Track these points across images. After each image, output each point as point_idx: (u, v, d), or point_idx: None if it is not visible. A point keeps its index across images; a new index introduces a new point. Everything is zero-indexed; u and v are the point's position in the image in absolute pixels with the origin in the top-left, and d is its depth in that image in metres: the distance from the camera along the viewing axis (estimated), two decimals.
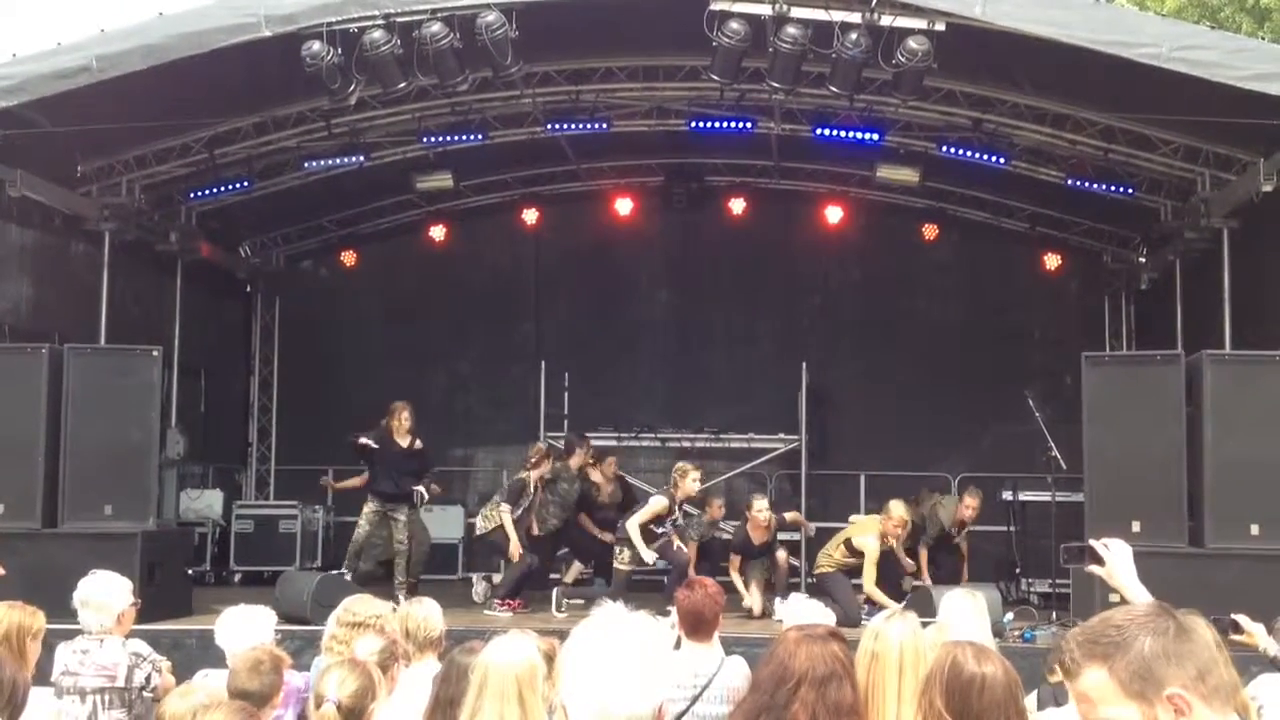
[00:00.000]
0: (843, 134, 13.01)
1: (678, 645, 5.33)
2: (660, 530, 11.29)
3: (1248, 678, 5.54)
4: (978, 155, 13.15)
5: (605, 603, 3.21)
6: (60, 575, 7.20)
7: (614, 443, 14.56)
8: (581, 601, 11.04)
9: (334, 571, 11.82)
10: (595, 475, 12.93)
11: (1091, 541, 3.53)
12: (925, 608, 6.77)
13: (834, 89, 10.81)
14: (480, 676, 3.45)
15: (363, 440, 12.02)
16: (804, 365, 15.07)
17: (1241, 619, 5.88)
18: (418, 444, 12.19)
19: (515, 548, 11.56)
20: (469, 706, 3.44)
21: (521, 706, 3.37)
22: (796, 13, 10.05)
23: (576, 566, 12.98)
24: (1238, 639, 5.73)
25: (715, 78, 11.10)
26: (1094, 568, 3.49)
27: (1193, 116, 11.09)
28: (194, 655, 7.85)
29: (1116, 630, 2.19)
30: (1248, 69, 9.48)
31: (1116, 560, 3.44)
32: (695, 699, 5.10)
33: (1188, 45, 9.61)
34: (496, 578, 12.55)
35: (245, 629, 5.62)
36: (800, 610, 5.58)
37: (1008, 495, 13.68)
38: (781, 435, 15.17)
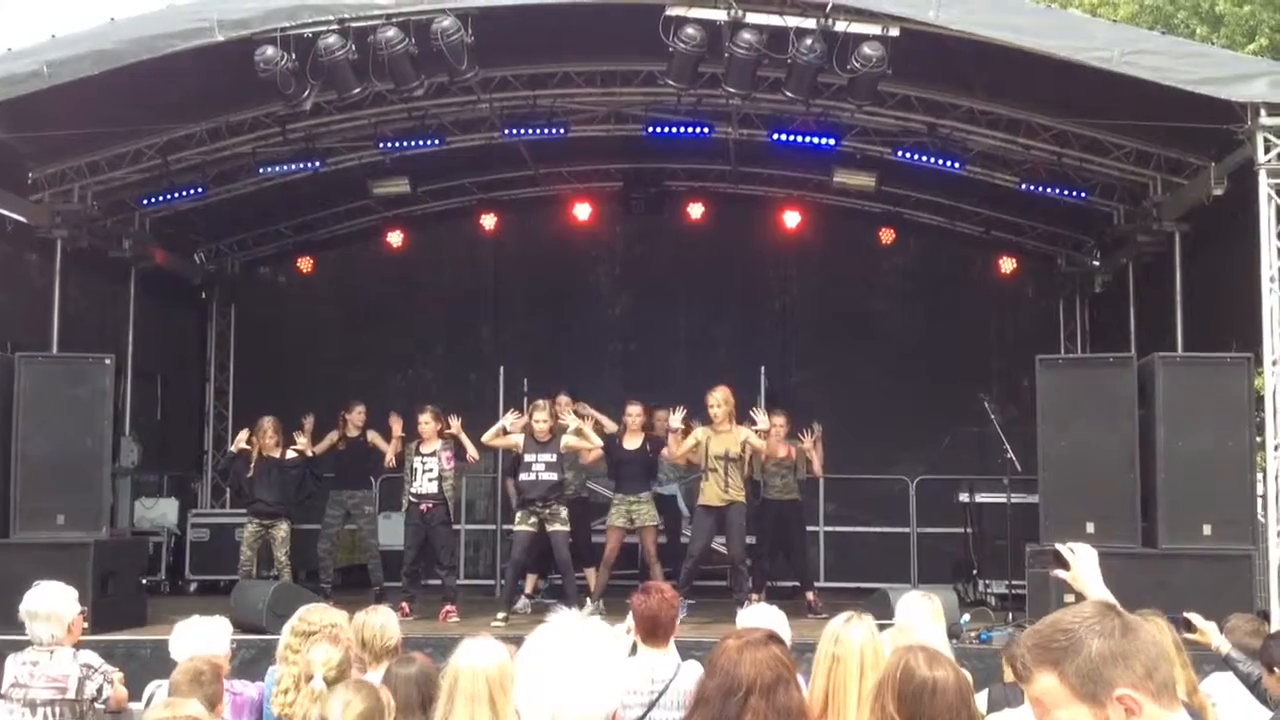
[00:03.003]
0: (799, 139, 13.08)
1: (634, 651, 5.33)
2: None
3: (1201, 676, 5.61)
4: (933, 160, 13.24)
5: (561, 609, 3.20)
6: (11, 586, 7.13)
7: None
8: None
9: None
10: None
11: (1057, 545, 3.59)
12: (882, 609, 6.79)
13: (789, 94, 10.86)
14: (451, 680, 3.42)
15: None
16: (762, 369, 15.09)
17: (1194, 618, 5.94)
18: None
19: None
20: (440, 710, 3.40)
21: (493, 709, 3.34)
22: (751, 18, 10.07)
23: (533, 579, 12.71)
24: (1191, 638, 5.80)
25: (672, 83, 11.10)
26: (1059, 572, 3.55)
27: (1144, 121, 11.21)
28: (148, 666, 7.75)
29: (1064, 634, 2.21)
30: (1197, 73, 9.59)
31: (1082, 564, 3.49)
32: (652, 704, 5.10)
33: (1138, 50, 9.71)
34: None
35: (200, 640, 5.57)
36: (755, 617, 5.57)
37: (965, 497, 13.72)
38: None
